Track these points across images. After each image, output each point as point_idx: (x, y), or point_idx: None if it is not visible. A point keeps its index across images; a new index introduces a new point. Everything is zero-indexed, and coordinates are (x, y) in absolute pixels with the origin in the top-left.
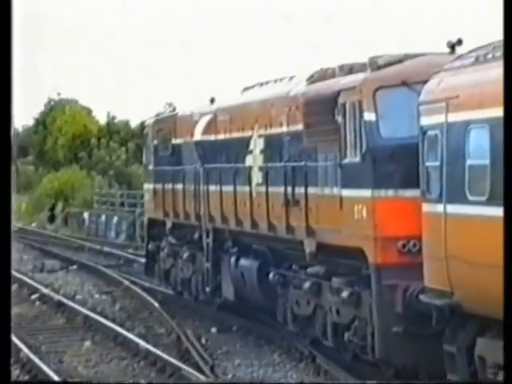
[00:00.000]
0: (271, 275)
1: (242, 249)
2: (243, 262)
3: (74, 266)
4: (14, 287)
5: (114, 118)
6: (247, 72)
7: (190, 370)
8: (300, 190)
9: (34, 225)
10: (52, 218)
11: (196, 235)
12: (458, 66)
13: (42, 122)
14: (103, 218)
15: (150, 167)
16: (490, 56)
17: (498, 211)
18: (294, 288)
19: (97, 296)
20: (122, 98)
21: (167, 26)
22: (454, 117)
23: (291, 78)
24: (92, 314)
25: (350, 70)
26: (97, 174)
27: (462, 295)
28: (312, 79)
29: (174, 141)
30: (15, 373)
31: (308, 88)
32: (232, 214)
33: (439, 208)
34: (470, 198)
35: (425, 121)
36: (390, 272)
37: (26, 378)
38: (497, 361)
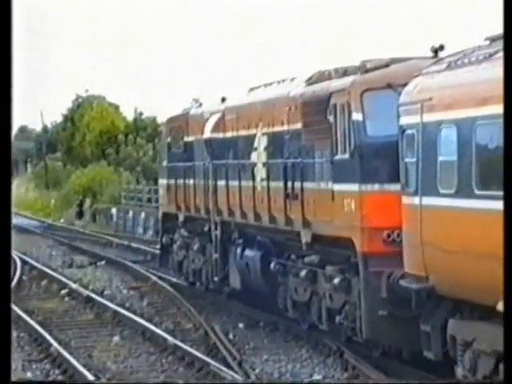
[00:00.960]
0: (272, 265)
1: (247, 240)
2: (248, 252)
3: (103, 262)
4: (43, 283)
5: (141, 114)
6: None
7: (218, 365)
8: (297, 185)
9: (62, 221)
10: (80, 214)
11: (206, 228)
12: (433, 70)
13: (71, 119)
14: (131, 213)
15: (164, 163)
16: (460, 62)
17: (465, 203)
18: (292, 276)
19: (125, 291)
20: (150, 94)
21: (194, 22)
22: (428, 117)
23: (292, 80)
24: (120, 310)
25: (344, 72)
26: (124, 170)
27: (435, 280)
28: (310, 81)
29: (186, 138)
30: (46, 367)
31: (305, 89)
32: (237, 208)
33: (416, 200)
34: (441, 191)
35: (403, 121)
36: (375, 260)
37: (57, 372)
38: (465, 339)
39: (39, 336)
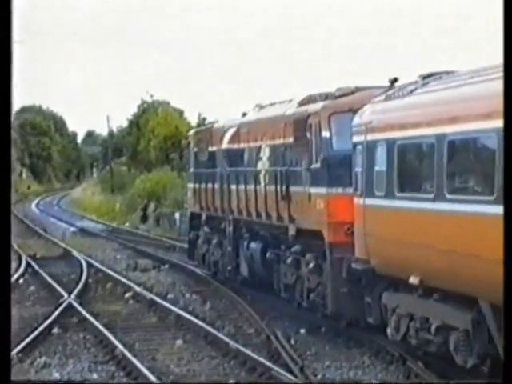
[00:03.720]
0: (268, 254)
1: (252, 235)
2: (252, 245)
3: (166, 266)
4: (108, 285)
5: (204, 119)
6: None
7: (280, 370)
8: (285, 189)
9: (127, 224)
10: (144, 218)
11: (222, 225)
12: (377, 100)
13: (136, 124)
14: None
15: (191, 170)
16: (394, 95)
17: (389, 203)
18: (282, 263)
19: (188, 295)
20: (212, 100)
21: (258, 28)
22: (369, 137)
23: (290, 101)
24: (183, 313)
25: (326, 97)
26: None
27: (374, 262)
28: (302, 102)
29: (211, 148)
30: (111, 369)
31: (296, 110)
32: (244, 207)
33: (361, 201)
34: (376, 193)
35: (354, 139)
36: (338, 248)
37: (122, 374)
38: (392, 306)
39: (104, 338)
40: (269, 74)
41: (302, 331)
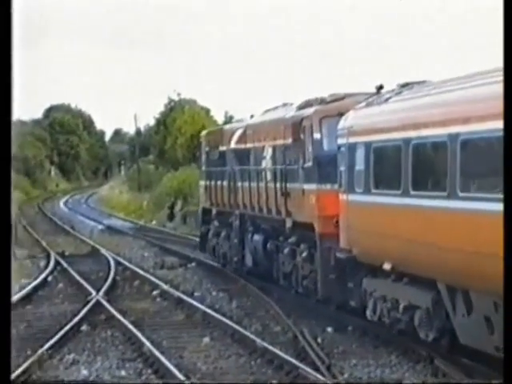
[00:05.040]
0: (268, 245)
1: (255, 228)
2: (255, 237)
3: (193, 264)
4: (136, 283)
5: (231, 118)
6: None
7: (307, 368)
8: (283, 185)
9: (154, 222)
10: (171, 216)
11: (230, 219)
12: (360, 106)
13: (163, 122)
14: None
15: (203, 168)
16: (373, 102)
17: (366, 198)
18: (281, 253)
19: (214, 293)
20: (240, 98)
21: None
22: (351, 140)
23: (291, 105)
24: (210, 311)
25: (321, 101)
26: None
27: (355, 251)
28: (300, 106)
29: (221, 148)
30: (139, 366)
31: (295, 113)
32: (249, 202)
33: (345, 196)
34: (356, 190)
35: (339, 141)
36: (327, 239)
37: (149, 371)
38: (370, 290)
39: (132, 335)
40: (297, 73)
41: (329, 329)
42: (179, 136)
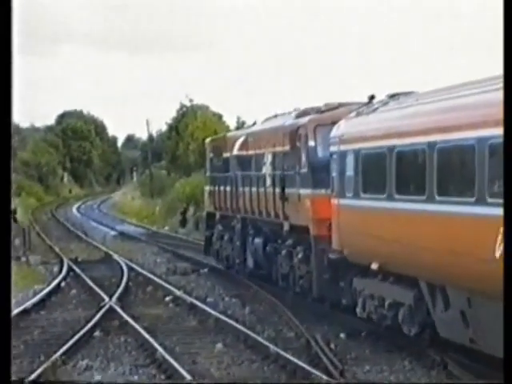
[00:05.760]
0: (268, 248)
1: (256, 231)
2: (256, 240)
3: (205, 270)
4: (148, 289)
5: (243, 123)
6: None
7: (320, 374)
8: (281, 190)
9: (166, 228)
10: (184, 222)
11: (233, 223)
12: (351, 116)
13: (175, 128)
14: None
15: (208, 174)
16: (362, 112)
17: (356, 202)
18: (279, 255)
19: (227, 299)
20: (252, 104)
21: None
22: (342, 147)
23: (289, 113)
24: (223, 317)
25: (317, 111)
26: None
27: (346, 252)
28: (298, 115)
29: (225, 154)
30: (152, 372)
31: (293, 121)
32: (250, 206)
33: (336, 201)
34: (347, 194)
35: (331, 148)
36: (321, 241)
37: (162, 377)
38: (360, 289)
39: (145, 341)
40: (309, 80)
41: (342, 335)
42: (191, 142)
